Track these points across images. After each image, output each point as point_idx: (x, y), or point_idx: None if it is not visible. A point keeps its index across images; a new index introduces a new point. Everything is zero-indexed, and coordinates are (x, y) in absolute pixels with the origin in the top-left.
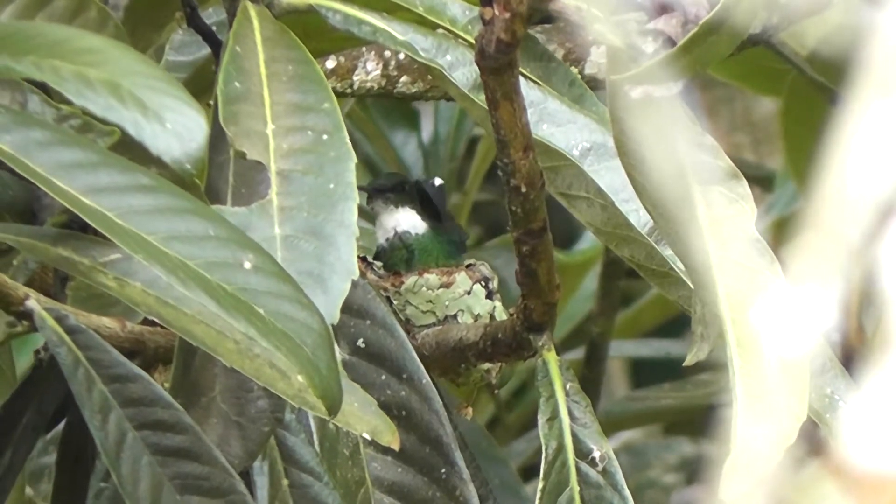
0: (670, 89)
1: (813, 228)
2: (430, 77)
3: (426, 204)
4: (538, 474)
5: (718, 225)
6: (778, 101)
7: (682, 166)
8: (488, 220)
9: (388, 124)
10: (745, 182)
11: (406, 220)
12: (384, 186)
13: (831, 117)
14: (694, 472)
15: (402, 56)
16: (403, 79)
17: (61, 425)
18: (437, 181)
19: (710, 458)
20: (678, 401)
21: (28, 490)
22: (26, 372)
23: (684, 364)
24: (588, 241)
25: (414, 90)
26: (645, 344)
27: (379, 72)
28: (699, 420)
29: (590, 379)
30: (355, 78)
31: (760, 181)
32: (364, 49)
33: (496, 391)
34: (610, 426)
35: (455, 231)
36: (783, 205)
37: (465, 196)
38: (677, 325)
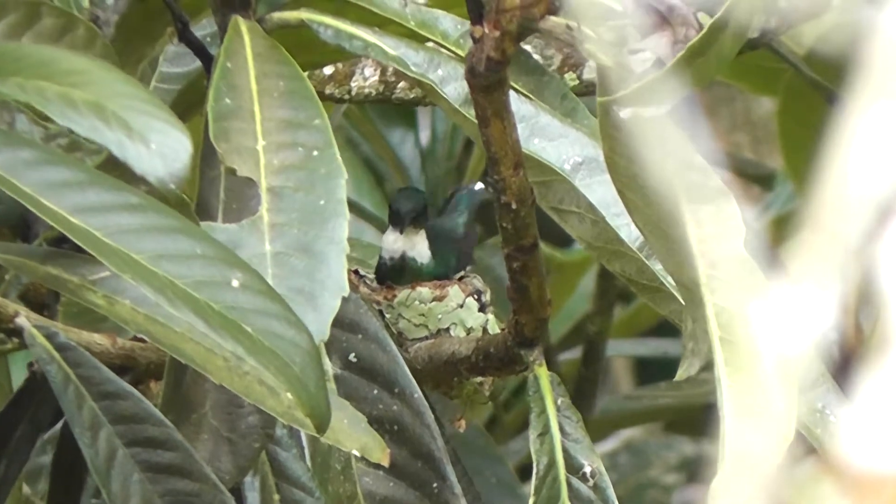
0: (659, 109)
1: (811, 228)
2: None
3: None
4: None
5: (707, 243)
6: (776, 101)
7: (672, 185)
8: (485, 219)
9: (386, 123)
10: (734, 201)
11: (417, 247)
12: (413, 212)
13: (829, 117)
14: (694, 471)
15: None
16: (401, 85)
17: (59, 425)
18: (479, 185)
19: (710, 457)
20: (676, 399)
21: (25, 489)
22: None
23: (675, 379)
24: None
25: (412, 96)
26: (643, 343)
27: (377, 78)
28: (698, 418)
29: (587, 378)
30: (353, 84)
31: (760, 180)
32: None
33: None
34: (608, 425)
35: (461, 251)
36: (782, 203)
37: None
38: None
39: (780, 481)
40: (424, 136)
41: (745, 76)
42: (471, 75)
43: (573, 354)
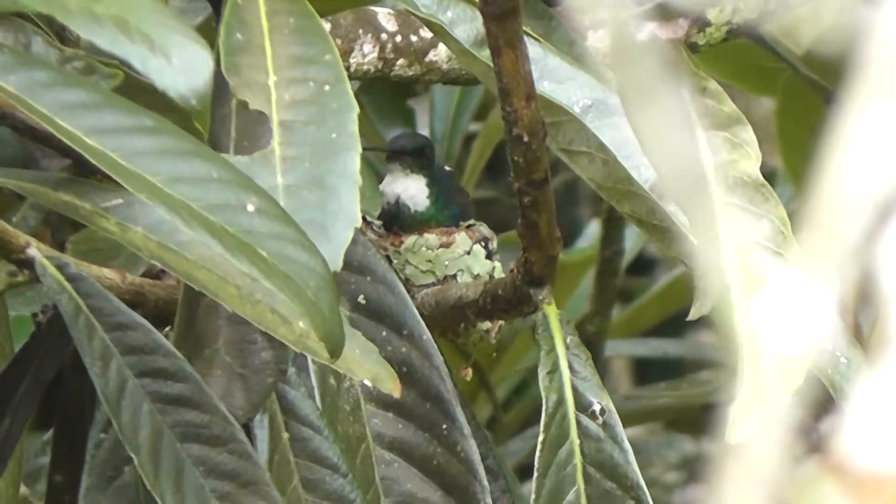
0: (676, 30)
1: (810, 228)
2: (426, 60)
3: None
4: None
5: (723, 170)
6: (775, 100)
7: (687, 111)
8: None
9: (384, 123)
10: (749, 127)
11: (412, 191)
12: (404, 149)
13: (827, 116)
14: (695, 470)
15: (398, 39)
16: (400, 62)
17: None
18: (446, 168)
19: (711, 456)
20: (675, 399)
21: (24, 489)
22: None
23: (688, 319)
24: (587, 241)
25: (410, 73)
26: (642, 343)
27: (375, 55)
28: (699, 418)
29: None
30: (352, 61)
31: None
32: (360, 31)
33: (493, 386)
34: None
35: (460, 204)
36: (783, 202)
37: None
38: (676, 323)
39: (782, 480)
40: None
41: (744, 76)
42: (484, 4)
43: None
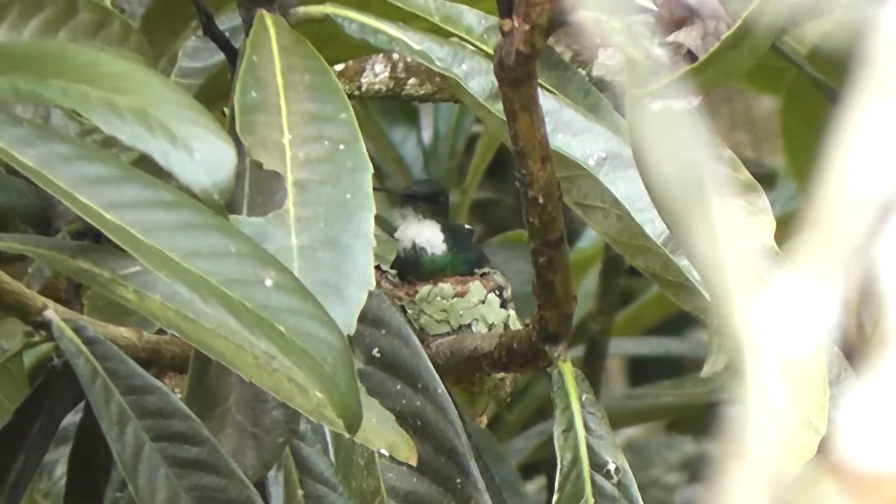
0: (691, 103)
1: (813, 227)
2: (437, 79)
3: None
4: (537, 472)
5: (737, 237)
6: (777, 99)
7: (701, 178)
8: (487, 218)
9: (388, 122)
10: (764, 195)
11: (427, 236)
12: (417, 194)
13: (831, 115)
14: (696, 470)
15: (409, 58)
16: (411, 81)
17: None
18: (466, 227)
19: (713, 457)
20: (678, 399)
21: None
22: (33, 370)
23: (701, 375)
24: (588, 240)
25: (422, 92)
26: (645, 342)
27: (387, 74)
28: (700, 418)
29: (589, 377)
30: (363, 80)
31: (761, 179)
32: None
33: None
34: (609, 424)
35: (474, 254)
36: (784, 202)
37: (465, 194)
38: (677, 323)
39: (782, 479)
40: (427, 134)
41: (748, 75)
42: (500, 69)
43: (575, 353)
